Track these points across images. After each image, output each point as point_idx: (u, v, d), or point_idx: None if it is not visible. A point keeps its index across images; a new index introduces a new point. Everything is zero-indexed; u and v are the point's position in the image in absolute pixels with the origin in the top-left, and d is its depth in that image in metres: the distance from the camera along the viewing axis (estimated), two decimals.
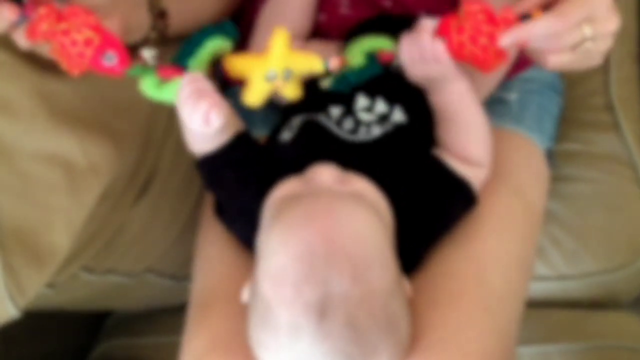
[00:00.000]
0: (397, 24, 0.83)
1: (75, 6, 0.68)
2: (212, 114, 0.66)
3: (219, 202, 0.78)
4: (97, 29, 0.67)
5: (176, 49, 0.88)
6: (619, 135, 1.06)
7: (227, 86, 1.01)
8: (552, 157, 0.95)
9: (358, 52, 0.73)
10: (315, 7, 0.86)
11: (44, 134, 0.71)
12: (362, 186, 0.68)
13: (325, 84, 0.75)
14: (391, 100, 0.76)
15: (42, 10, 0.67)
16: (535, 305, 1.03)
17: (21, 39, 0.68)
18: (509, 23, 0.68)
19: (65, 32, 0.67)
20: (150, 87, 0.70)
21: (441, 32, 0.70)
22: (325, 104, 0.76)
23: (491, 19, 0.68)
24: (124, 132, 0.81)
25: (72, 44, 0.67)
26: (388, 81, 0.75)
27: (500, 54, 0.69)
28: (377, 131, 0.74)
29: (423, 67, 0.71)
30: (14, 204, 0.69)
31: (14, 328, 0.77)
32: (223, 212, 0.77)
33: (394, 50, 0.73)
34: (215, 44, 0.71)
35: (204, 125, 0.66)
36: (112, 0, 0.72)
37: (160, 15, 0.81)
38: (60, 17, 0.67)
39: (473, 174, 0.74)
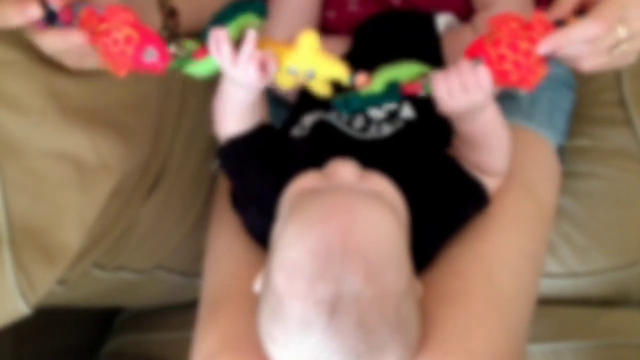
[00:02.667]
0: (405, 20, 0.84)
1: (114, 5, 0.67)
2: (269, 61, 0.66)
3: (235, 189, 0.78)
4: (136, 25, 0.67)
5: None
6: (631, 131, 1.05)
7: None
8: (563, 153, 0.94)
9: (383, 79, 0.69)
10: (321, 6, 0.86)
11: (55, 132, 0.72)
12: (381, 184, 0.68)
13: (338, 98, 0.72)
14: None
15: (82, 14, 0.66)
16: (546, 302, 1.03)
17: (43, 43, 0.67)
18: (545, 26, 0.64)
19: (107, 33, 0.66)
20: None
21: (475, 53, 0.66)
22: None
23: (526, 25, 0.65)
24: (134, 129, 0.81)
25: (113, 43, 0.66)
26: None
27: (541, 61, 0.65)
28: (387, 129, 0.74)
29: (463, 98, 0.66)
30: (25, 201, 0.70)
31: (25, 325, 0.77)
32: (237, 199, 0.77)
33: (421, 81, 0.68)
34: (246, 20, 0.68)
35: (262, 74, 0.66)
36: (123, 0, 0.72)
37: (170, 14, 0.81)
38: (100, 19, 0.66)
39: (488, 182, 0.74)
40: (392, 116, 0.75)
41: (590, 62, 0.67)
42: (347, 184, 0.66)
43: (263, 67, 0.65)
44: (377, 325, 0.60)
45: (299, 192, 0.68)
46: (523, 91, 0.71)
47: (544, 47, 0.64)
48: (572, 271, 1.04)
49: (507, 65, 0.64)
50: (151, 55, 0.67)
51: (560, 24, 0.65)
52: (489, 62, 0.65)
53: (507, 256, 0.75)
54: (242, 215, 0.78)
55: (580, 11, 0.66)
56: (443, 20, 0.83)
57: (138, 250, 0.92)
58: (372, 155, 0.70)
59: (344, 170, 0.67)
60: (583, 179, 1.04)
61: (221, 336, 0.72)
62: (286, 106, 0.87)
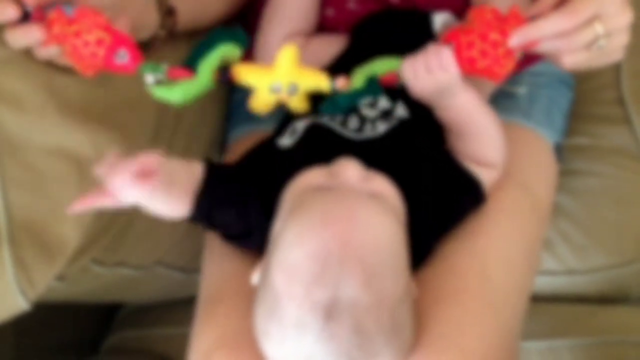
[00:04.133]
0: (403, 18, 0.84)
1: (84, 7, 0.69)
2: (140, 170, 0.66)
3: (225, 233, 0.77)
4: (107, 28, 0.69)
5: (185, 46, 0.89)
6: (630, 129, 1.05)
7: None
8: (561, 151, 0.94)
9: (362, 76, 0.72)
10: (320, 3, 0.86)
11: (54, 128, 0.72)
12: (383, 186, 0.68)
13: (324, 105, 0.74)
14: (393, 97, 0.76)
15: (52, 15, 0.68)
16: (543, 299, 1.04)
17: (40, 51, 0.70)
18: (518, 20, 0.67)
19: (77, 34, 0.68)
20: (158, 87, 0.71)
21: (449, 39, 0.69)
22: None
23: (500, 18, 0.67)
24: (133, 126, 0.82)
25: (84, 45, 0.68)
26: None
27: (509, 53, 0.67)
28: (382, 127, 0.74)
29: (429, 79, 0.69)
30: (24, 197, 0.70)
31: (26, 320, 0.77)
32: (234, 238, 0.76)
33: (397, 71, 0.71)
34: (226, 50, 0.70)
35: (143, 184, 0.66)
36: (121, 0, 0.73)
37: (168, 13, 0.82)
38: (70, 20, 0.68)
39: (484, 175, 0.74)
40: (386, 114, 0.75)
41: (570, 58, 0.68)
42: (350, 185, 0.66)
43: (141, 176, 0.65)
44: (372, 331, 0.60)
45: (303, 188, 0.68)
46: (491, 82, 0.74)
47: (515, 39, 0.66)
48: (570, 269, 1.04)
49: (474, 53, 0.67)
50: (123, 57, 0.69)
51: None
52: (458, 48, 0.68)
53: (501, 253, 0.76)
54: (244, 247, 0.77)
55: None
56: (440, 19, 0.83)
57: (137, 246, 0.93)
58: (368, 154, 0.70)
59: (350, 169, 0.67)
60: (581, 176, 1.04)
61: (218, 333, 0.73)
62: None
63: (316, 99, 0.74)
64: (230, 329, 0.72)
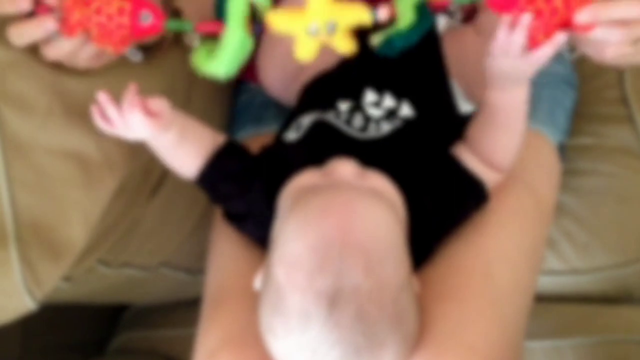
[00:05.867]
0: None
1: None
2: (154, 104, 0.68)
3: (226, 209, 0.79)
4: None
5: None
6: (633, 128, 1.05)
7: (242, 82, 1.02)
8: (564, 150, 0.95)
9: (408, 3, 0.66)
10: None
11: (60, 130, 0.73)
12: (380, 183, 0.69)
13: (375, 40, 0.69)
14: (399, 95, 0.76)
15: (68, 2, 0.67)
16: (547, 299, 1.04)
17: (54, 51, 0.69)
18: (585, 1, 0.62)
19: (98, 11, 0.67)
20: (201, 60, 0.69)
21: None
22: (333, 98, 0.77)
23: None
24: None
25: (108, 19, 0.67)
26: (396, 76, 0.75)
27: (559, 27, 0.63)
28: (386, 127, 0.74)
29: (516, 61, 0.65)
30: (31, 198, 0.71)
31: (33, 320, 0.78)
32: (232, 217, 0.78)
33: None
34: None
35: (152, 120, 0.68)
36: None
37: (175, 14, 0.82)
38: (86, 2, 0.67)
39: (489, 177, 0.75)
40: (391, 114, 0.76)
41: (615, 50, 0.66)
42: (346, 182, 0.67)
43: (150, 113, 0.67)
44: (376, 318, 0.61)
45: (299, 189, 0.69)
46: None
47: (584, 15, 0.62)
48: (574, 268, 1.04)
49: (530, 7, 0.62)
50: (147, 18, 0.68)
51: None
52: None
53: (505, 252, 0.76)
54: (240, 230, 0.79)
55: None
56: (443, 21, 0.83)
57: (143, 247, 0.93)
58: (371, 154, 0.71)
59: (344, 168, 0.68)
60: (585, 176, 1.04)
61: (223, 332, 0.73)
62: (284, 111, 0.88)
63: (364, 39, 0.68)
64: (235, 328, 0.73)
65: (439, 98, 0.80)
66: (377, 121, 0.75)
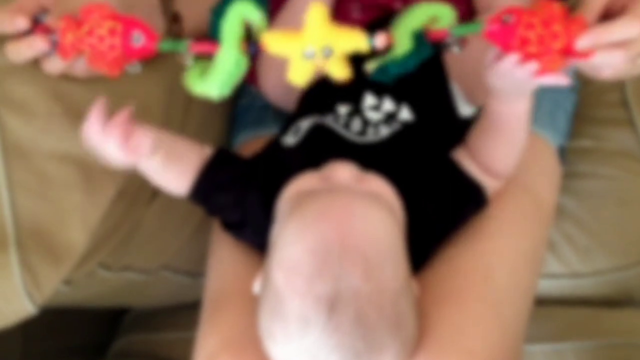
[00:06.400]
0: None
1: (88, 5, 0.68)
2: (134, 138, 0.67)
3: (223, 219, 0.78)
4: (114, 16, 0.68)
5: None
6: (634, 131, 1.05)
7: (243, 84, 1.02)
8: (565, 153, 0.95)
9: (405, 32, 0.65)
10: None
11: (60, 134, 0.73)
12: (379, 186, 0.69)
13: (370, 67, 0.69)
14: (398, 99, 0.76)
15: (60, 24, 0.67)
16: (548, 302, 1.03)
17: (51, 66, 0.70)
18: (583, 26, 0.63)
19: (90, 32, 0.67)
20: (193, 80, 0.68)
21: (510, 11, 0.63)
22: (333, 102, 0.77)
23: (566, 16, 0.63)
24: None
25: (99, 40, 0.67)
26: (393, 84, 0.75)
27: (563, 53, 0.63)
28: (385, 131, 0.74)
29: (517, 72, 0.64)
30: (31, 202, 0.71)
31: (34, 324, 0.78)
32: (229, 227, 0.78)
33: (448, 25, 0.65)
34: (244, 10, 0.65)
35: (126, 148, 0.67)
36: (126, 7, 0.73)
37: (174, 19, 0.82)
38: (79, 23, 0.67)
39: (488, 183, 0.74)
40: (390, 118, 0.76)
41: (614, 71, 0.66)
42: (344, 185, 0.67)
43: (126, 139, 0.66)
44: (375, 322, 0.61)
45: (297, 193, 0.69)
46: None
47: (585, 41, 0.62)
48: (574, 271, 1.04)
49: (531, 34, 0.62)
50: (139, 39, 0.67)
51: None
52: (517, 23, 0.63)
53: (504, 256, 0.76)
54: (238, 238, 0.79)
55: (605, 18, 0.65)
56: None
57: (143, 250, 0.93)
58: (370, 158, 0.71)
59: (342, 171, 0.68)
60: (585, 179, 1.04)
61: (222, 336, 0.73)
62: (284, 114, 0.88)
63: (359, 64, 0.68)
64: (234, 332, 0.73)
65: (439, 101, 0.80)
66: (376, 125, 0.75)
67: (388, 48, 0.66)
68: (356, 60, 0.65)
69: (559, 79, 0.64)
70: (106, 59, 0.68)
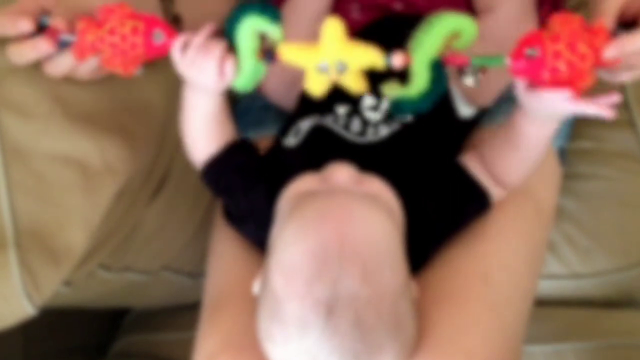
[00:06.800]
0: (405, 24, 0.84)
1: (106, 5, 0.69)
2: (226, 63, 0.66)
3: (227, 207, 0.79)
4: (135, 16, 0.68)
5: None
6: (634, 132, 1.05)
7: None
8: (565, 154, 0.94)
9: (425, 56, 0.65)
10: (327, 16, 0.87)
11: (60, 135, 0.73)
12: (378, 187, 0.69)
13: (387, 91, 0.69)
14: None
15: (81, 25, 0.68)
16: (549, 303, 1.04)
17: (54, 68, 0.70)
18: (606, 34, 0.63)
19: (112, 32, 0.68)
20: None
21: (531, 43, 0.63)
22: (332, 102, 0.77)
23: (588, 29, 0.63)
24: (139, 133, 0.82)
25: (122, 39, 0.68)
26: (395, 80, 0.75)
27: (593, 68, 0.62)
28: (384, 131, 0.74)
29: (549, 106, 0.64)
30: (31, 204, 0.71)
31: (35, 324, 0.78)
32: (232, 216, 0.78)
33: (470, 41, 0.65)
34: (258, 24, 0.66)
35: (220, 77, 0.67)
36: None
37: (174, 20, 0.82)
38: (99, 23, 0.68)
39: (494, 191, 0.74)
40: (389, 118, 0.76)
41: (630, 74, 0.67)
42: (343, 187, 0.67)
43: (221, 65, 0.66)
44: (373, 324, 0.61)
45: (297, 194, 0.69)
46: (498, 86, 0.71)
47: (611, 51, 0.62)
48: (575, 272, 1.04)
49: (561, 64, 0.62)
50: (159, 37, 0.68)
51: (613, 35, 0.63)
52: (544, 55, 0.62)
53: (504, 257, 0.76)
54: (240, 231, 0.79)
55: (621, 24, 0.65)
56: None
57: (144, 251, 0.93)
58: (369, 158, 0.71)
59: (341, 173, 0.68)
60: (586, 180, 1.04)
61: (222, 336, 0.73)
62: (284, 115, 0.88)
63: (376, 77, 0.67)
64: (234, 333, 0.73)
65: (438, 101, 0.80)
66: (376, 125, 0.75)
67: (405, 67, 0.65)
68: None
69: (602, 110, 0.63)
70: (127, 57, 0.69)
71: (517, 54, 0.63)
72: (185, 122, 0.73)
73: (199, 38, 0.66)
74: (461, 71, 0.66)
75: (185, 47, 0.66)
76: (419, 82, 0.66)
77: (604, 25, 0.64)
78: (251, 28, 0.66)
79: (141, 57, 0.69)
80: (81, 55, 0.68)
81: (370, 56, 0.64)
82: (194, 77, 0.68)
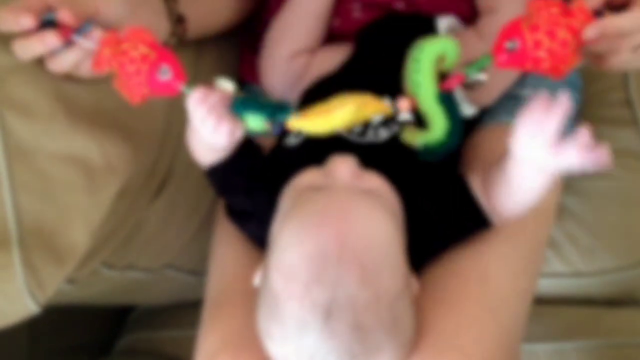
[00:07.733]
0: (407, 23, 0.84)
1: (133, 27, 0.69)
2: (222, 126, 0.66)
3: (230, 205, 0.79)
4: (153, 45, 0.68)
5: (192, 54, 0.90)
6: (637, 131, 1.05)
7: (244, 83, 1.03)
8: None
9: (428, 92, 0.66)
10: (327, 20, 0.87)
11: (62, 135, 0.73)
12: (378, 183, 0.69)
13: (415, 142, 0.71)
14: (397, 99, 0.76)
15: (103, 36, 0.68)
16: (551, 302, 1.03)
17: (57, 64, 0.70)
18: (586, 15, 0.62)
19: (124, 52, 0.67)
20: None
21: (511, 35, 0.63)
22: None
23: (567, 12, 0.62)
24: (140, 133, 0.83)
25: (130, 61, 0.67)
26: (395, 80, 0.75)
27: (576, 50, 0.62)
28: (384, 133, 0.74)
29: (547, 152, 0.65)
30: (34, 202, 0.71)
31: (39, 322, 0.79)
32: (235, 214, 0.79)
33: (455, 60, 0.66)
34: (255, 124, 0.69)
35: (227, 140, 0.68)
36: (131, 9, 0.74)
37: (178, 20, 0.83)
38: (119, 41, 0.68)
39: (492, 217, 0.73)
40: (390, 119, 0.76)
41: (618, 58, 0.66)
42: (344, 182, 0.67)
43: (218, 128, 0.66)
44: (372, 326, 0.61)
45: (299, 189, 0.69)
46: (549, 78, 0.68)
47: (591, 31, 0.62)
48: (577, 271, 1.04)
49: (542, 53, 0.62)
50: (165, 74, 0.67)
51: (599, 14, 0.63)
52: (524, 47, 0.62)
53: (503, 256, 0.76)
54: (242, 229, 0.79)
55: (611, 7, 0.65)
56: (445, 23, 0.83)
57: (146, 249, 0.94)
58: (370, 157, 0.71)
59: (343, 166, 0.68)
60: (588, 178, 1.04)
61: (223, 334, 0.74)
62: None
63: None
64: (235, 331, 0.73)
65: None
66: (375, 127, 0.75)
67: (414, 111, 0.68)
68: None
69: (601, 162, 0.65)
70: (131, 81, 0.68)
71: (498, 49, 0.63)
72: (191, 141, 0.73)
73: (214, 98, 0.66)
74: (464, 86, 0.67)
75: (200, 102, 0.66)
76: (437, 121, 0.67)
77: (583, 5, 0.63)
78: (257, 122, 0.68)
79: (143, 86, 0.68)
80: (97, 66, 0.69)
81: (379, 110, 0.68)
82: (204, 134, 0.68)
